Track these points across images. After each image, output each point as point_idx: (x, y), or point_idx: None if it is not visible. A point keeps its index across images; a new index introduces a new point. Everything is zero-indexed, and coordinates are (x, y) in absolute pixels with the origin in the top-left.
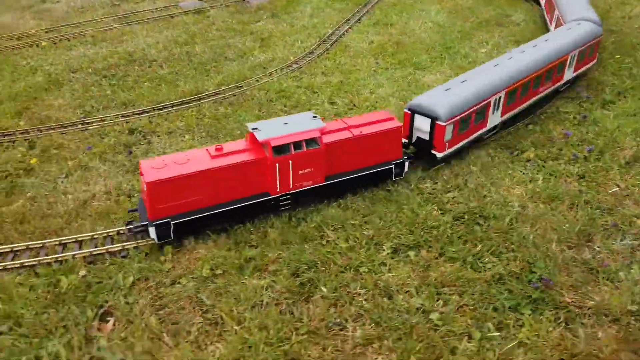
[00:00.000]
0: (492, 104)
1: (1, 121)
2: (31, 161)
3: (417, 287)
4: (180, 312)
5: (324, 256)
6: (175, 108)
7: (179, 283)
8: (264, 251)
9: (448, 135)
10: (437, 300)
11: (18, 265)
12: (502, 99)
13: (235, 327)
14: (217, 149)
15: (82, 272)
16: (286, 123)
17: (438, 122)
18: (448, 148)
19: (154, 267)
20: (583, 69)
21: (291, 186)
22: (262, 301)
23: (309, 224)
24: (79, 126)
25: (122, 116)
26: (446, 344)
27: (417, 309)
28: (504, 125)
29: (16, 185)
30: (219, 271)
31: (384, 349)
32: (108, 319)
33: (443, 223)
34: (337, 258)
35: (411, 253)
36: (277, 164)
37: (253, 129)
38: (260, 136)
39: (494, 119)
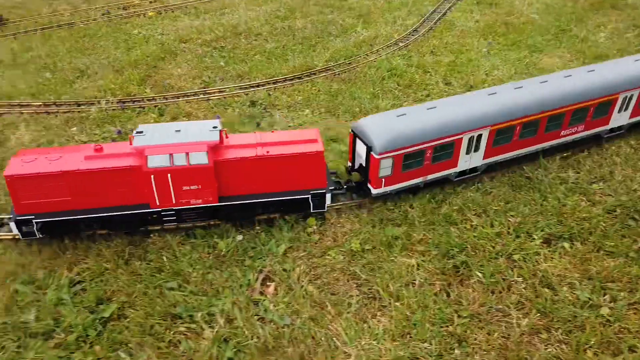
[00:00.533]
0: (464, 143)
1: (129, 87)
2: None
3: (579, 280)
4: (335, 283)
5: (473, 240)
6: (288, 82)
7: (328, 255)
8: (409, 230)
9: (385, 171)
10: (604, 295)
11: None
12: (484, 138)
13: (396, 304)
14: (95, 149)
15: (239, 237)
16: (178, 130)
17: (372, 154)
18: (385, 185)
19: (302, 238)
20: None
21: (174, 202)
22: (415, 280)
23: (451, 207)
24: (201, 96)
25: (240, 88)
26: (622, 341)
27: (585, 302)
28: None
29: None
30: (367, 246)
31: (554, 340)
32: (268, 283)
33: (595, 215)
34: (487, 243)
35: (565, 244)
36: (153, 176)
37: (137, 132)
38: (136, 142)
39: (472, 160)
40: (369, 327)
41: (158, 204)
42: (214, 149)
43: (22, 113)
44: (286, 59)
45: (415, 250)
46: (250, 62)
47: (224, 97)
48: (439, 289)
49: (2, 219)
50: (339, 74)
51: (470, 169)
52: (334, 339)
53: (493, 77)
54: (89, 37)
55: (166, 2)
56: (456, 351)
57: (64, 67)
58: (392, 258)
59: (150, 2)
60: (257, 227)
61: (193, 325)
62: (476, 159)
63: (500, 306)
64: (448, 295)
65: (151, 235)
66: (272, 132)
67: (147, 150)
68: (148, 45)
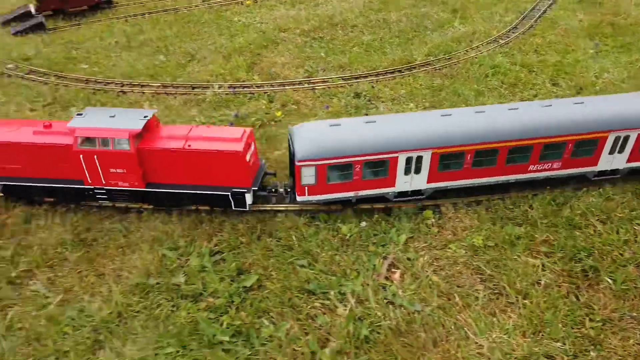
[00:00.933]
0: (400, 163)
1: (238, 73)
2: (277, 113)
3: None
4: (459, 276)
5: (599, 246)
6: (390, 75)
7: (449, 248)
8: (530, 231)
9: (308, 180)
10: None
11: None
12: (426, 161)
13: (524, 301)
14: (45, 126)
15: (364, 223)
16: (113, 116)
17: (295, 160)
18: (309, 194)
19: (421, 229)
20: None
21: (103, 182)
22: (540, 280)
23: (573, 210)
24: (306, 85)
25: (343, 79)
26: None
27: None
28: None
29: (270, 136)
30: (490, 243)
31: None
32: (394, 270)
33: None
34: (614, 250)
35: None
36: (81, 155)
37: (77, 114)
38: (71, 123)
39: (413, 182)
40: (499, 321)
41: (90, 182)
42: (138, 137)
43: (143, 93)
44: (384, 51)
45: (539, 251)
46: (349, 53)
47: (329, 87)
48: (566, 292)
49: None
50: (439, 69)
51: (412, 191)
52: (465, 329)
53: (604, 79)
54: (193, 22)
55: None
56: (592, 354)
57: (175, 50)
58: (515, 257)
59: None
60: (376, 215)
61: (327, 302)
62: (419, 182)
63: (635, 314)
64: (577, 298)
65: (277, 214)
66: (208, 126)
67: (77, 131)
68: (249, 33)
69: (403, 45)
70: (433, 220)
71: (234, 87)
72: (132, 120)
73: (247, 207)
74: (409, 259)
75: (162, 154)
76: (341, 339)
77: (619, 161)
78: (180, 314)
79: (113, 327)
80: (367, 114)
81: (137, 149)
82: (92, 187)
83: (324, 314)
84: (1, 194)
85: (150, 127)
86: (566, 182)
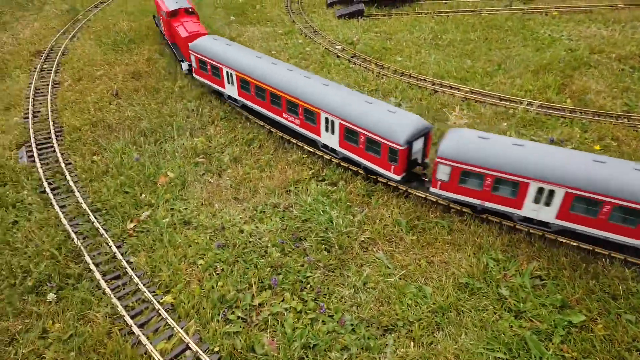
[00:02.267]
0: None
1: (548, 93)
2: (595, 147)
3: None
4: None
5: None
6: None
7: None
8: None
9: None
10: None
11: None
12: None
13: None
14: None
15: None
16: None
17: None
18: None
19: None
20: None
21: None
22: None
23: None
24: (625, 121)
25: None
26: None
27: None
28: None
29: None
30: None
31: None
32: None
33: None
34: None
35: None
36: None
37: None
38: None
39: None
40: None
41: None
42: None
43: (454, 95)
44: None
45: None
46: None
47: None
48: None
49: None
50: None
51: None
52: None
53: None
54: (496, 28)
55: (569, 2)
56: None
57: (481, 56)
58: None
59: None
60: None
61: None
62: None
63: None
64: None
65: (614, 262)
66: None
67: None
68: (556, 48)
69: None
70: None
71: (545, 108)
72: None
73: None
74: None
75: None
76: None
77: (330, 139)
78: (504, 324)
79: (450, 315)
80: None
81: None
82: None
83: None
84: None
85: None
86: None
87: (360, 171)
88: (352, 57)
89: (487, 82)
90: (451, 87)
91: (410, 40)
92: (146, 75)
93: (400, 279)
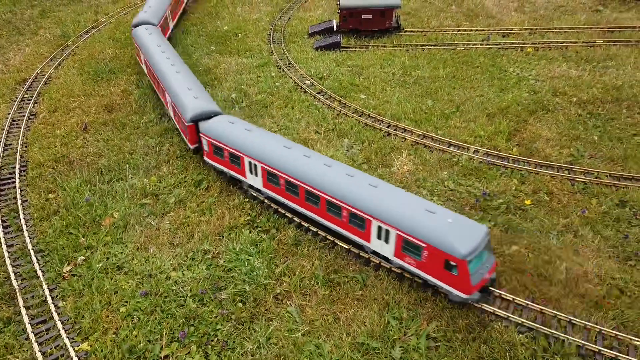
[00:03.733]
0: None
1: (496, 140)
2: (526, 202)
3: None
4: None
5: None
6: None
7: None
8: None
9: None
10: None
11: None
12: None
13: None
14: None
15: None
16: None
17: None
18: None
19: None
20: None
21: None
22: None
23: None
24: (566, 173)
25: (610, 176)
26: None
27: None
28: None
29: (512, 225)
30: None
31: None
32: None
33: None
34: None
35: None
36: None
37: None
38: None
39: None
40: None
41: None
42: None
43: (405, 139)
44: None
45: None
46: (627, 143)
47: (591, 183)
48: None
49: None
50: None
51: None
52: None
53: None
54: (466, 65)
55: (547, 37)
56: None
57: (443, 97)
58: None
59: (530, 33)
60: None
61: None
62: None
63: None
64: None
65: (495, 321)
66: None
67: None
68: (520, 89)
69: None
70: None
71: (491, 156)
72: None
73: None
74: None
75: None
76: None
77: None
78: None
79: None
80: (627, 235)
81: None
82: None
83: None
84: None
85: None
86: None
87: (295, 219)
88: (319, 93)
89: (442, 125)
90: (405, 130)
91: (379, 77)
92: (118, 108)
93: (303, 335)
